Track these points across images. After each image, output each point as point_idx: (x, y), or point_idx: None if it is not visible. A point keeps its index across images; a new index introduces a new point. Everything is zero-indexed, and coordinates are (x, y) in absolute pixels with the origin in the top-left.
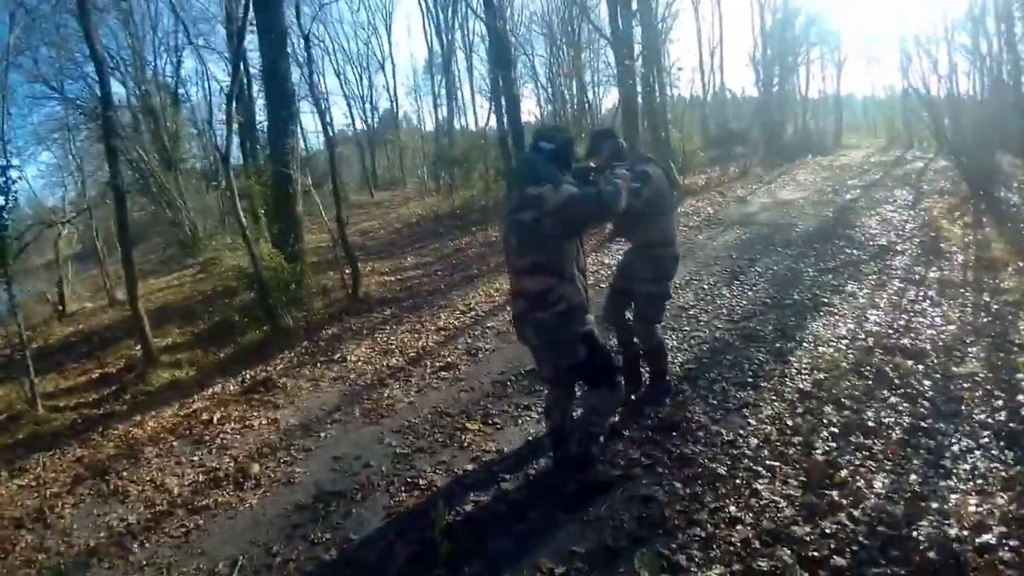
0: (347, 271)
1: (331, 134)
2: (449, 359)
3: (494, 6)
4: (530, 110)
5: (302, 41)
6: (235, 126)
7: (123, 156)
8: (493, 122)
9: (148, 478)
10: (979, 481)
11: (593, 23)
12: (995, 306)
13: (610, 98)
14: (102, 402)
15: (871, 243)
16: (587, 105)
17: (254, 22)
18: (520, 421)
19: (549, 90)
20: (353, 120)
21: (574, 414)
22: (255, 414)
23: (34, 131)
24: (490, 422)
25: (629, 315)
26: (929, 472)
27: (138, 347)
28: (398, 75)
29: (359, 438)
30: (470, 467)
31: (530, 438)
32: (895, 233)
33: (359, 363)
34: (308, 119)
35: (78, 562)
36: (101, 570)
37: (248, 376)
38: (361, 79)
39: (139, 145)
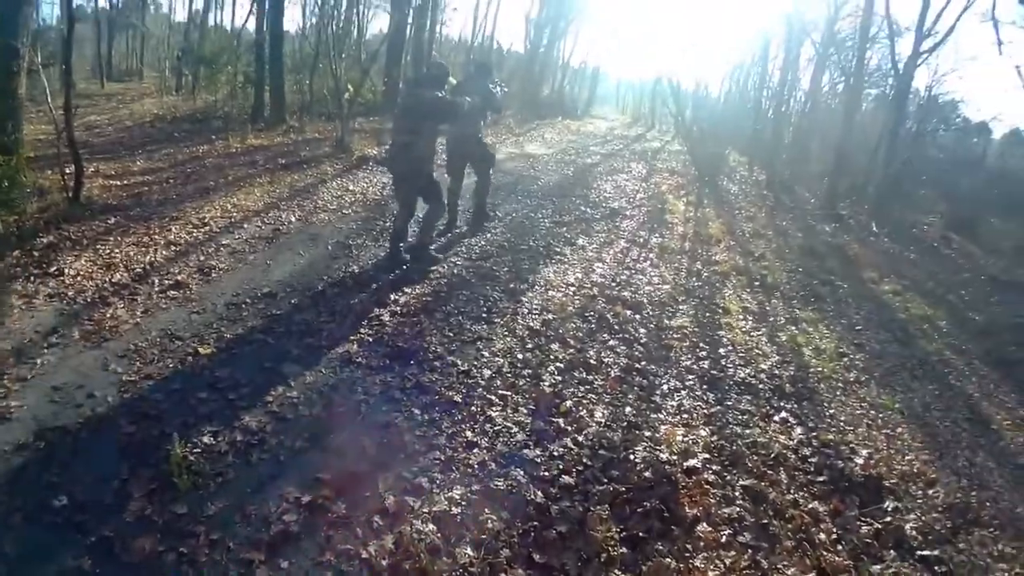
0: (68, 171)
1: (71, 5)
2: (179, 277)
3: None
4: (294, 18)
5: None
6: None
7: None
8: (251, 24)
9: None
10: (685, 416)
11: None
12: (705, 274)
13: (377, 23)
14: None
15: (604, 205)
16: (355, 24)
17: None
18: (256, 346)
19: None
20: None
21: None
22: None
23: None
24: (224, 346)
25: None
26: (642, 406)
27: None
28: None
29: (80, 364)
30: (204, 395)
31: (266, 364)
32: (626, 200)
33: (78, 278)
34: None
35: None
36: None
37: None
38: None
39: None
